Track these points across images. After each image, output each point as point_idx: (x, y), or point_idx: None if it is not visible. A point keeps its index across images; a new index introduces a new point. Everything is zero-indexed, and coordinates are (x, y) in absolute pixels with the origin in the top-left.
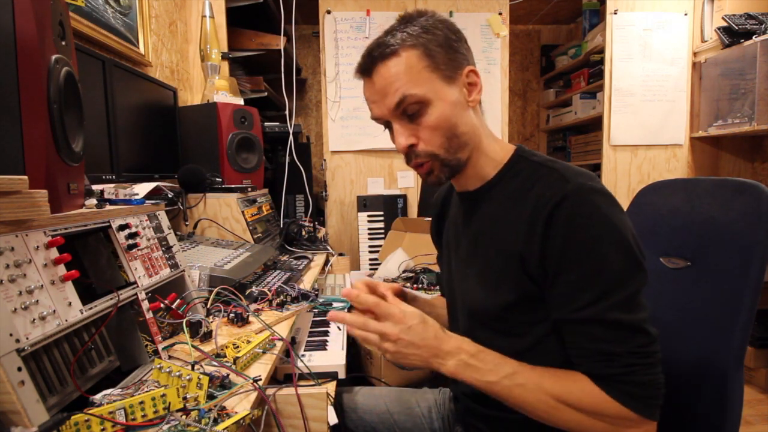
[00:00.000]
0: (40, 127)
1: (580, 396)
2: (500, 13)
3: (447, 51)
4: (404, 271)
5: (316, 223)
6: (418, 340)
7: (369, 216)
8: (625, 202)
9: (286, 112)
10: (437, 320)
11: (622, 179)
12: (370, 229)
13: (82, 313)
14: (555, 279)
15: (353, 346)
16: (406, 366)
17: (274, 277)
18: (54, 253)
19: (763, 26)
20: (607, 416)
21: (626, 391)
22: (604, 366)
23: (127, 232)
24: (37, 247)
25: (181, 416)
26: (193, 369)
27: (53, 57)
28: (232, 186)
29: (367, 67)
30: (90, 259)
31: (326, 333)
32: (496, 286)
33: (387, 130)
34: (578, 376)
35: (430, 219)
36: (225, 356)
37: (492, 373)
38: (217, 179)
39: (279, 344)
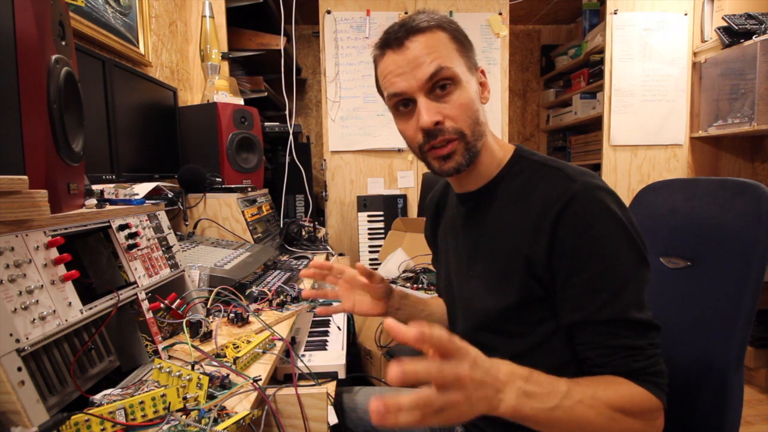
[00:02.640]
0: (40, 127)
1: (629, 396)
2: (500, 13)
3: (468, 43)
4: (404, 271)
5: (316, 223)
6: (484, 375)
7: (369, 216)
8: (625, 202)
9: (286, 112)
10: (429, 319)
11: (622, 179)
12: (370, 229)
13: (82, 313)
14: (567, 280)
15: (353, 346)
16: (462, 420)
17: (274, 277)
18: (54, 253)
19: (763, 26)
20: (649, 411)
21: (654, 382)
22: (632, 361)
23: (127, 232)
24: (37, 247)
25: (181, 416)
26: (193, 369)
27: (53, 57)
28: (232, 186)
29: (398, 37)
30: (90, 259)
31: (326, 333)
32: (500, 288)
33: (397, 116)
34: (615, 378)
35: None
36: (225, 356)
37: (552, 396)
38: (217, 179)
39: (279, 344)
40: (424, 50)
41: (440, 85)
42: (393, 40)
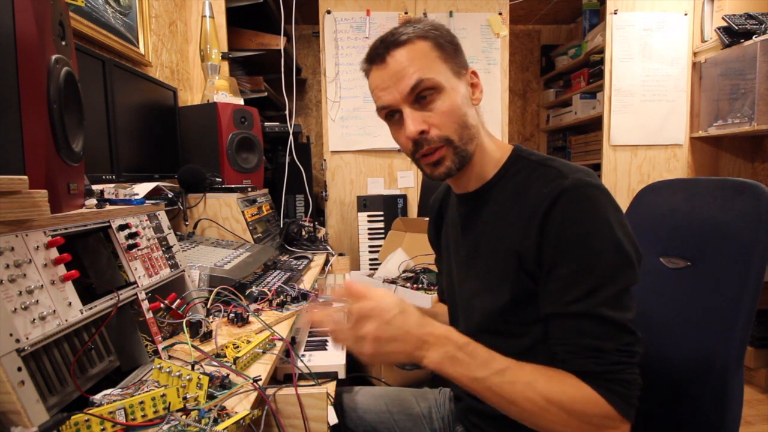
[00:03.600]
0: (40, 127)
1: (571, 395)
2: (500, 13)
3: (454, 48)
4: (404, 271)
5: (316, 223)
6: (400, 333)
7: (369, 216)
8: (625, 202)
9: (286, 112)
10: None
11: (622, 179)
12: (370, 229)
13: (82, 313)
14: (549, 273)
15: None
16: (385, 363)
17: (274, 277)
18: (54, 253)
19: (763, 26)
20: (594, 416)
21: (613, 389)
22: (593, 362)
23: (127, 232)
24: (37, 247)
25: (181, 416)
26: (193, 369)
27: (53, 57)
28: (232, 186)
29: (379, 53)
30: (90, 259)
31: (326, 333)
32: (497, 287)
33: (390, 125)
34: (568, 375)
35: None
36: (225, 356)
37: (481, 368)
38: (217, 179)
39: (279, 344)
40: (404, 63)
41: (423, 95)
42: (375, 56)
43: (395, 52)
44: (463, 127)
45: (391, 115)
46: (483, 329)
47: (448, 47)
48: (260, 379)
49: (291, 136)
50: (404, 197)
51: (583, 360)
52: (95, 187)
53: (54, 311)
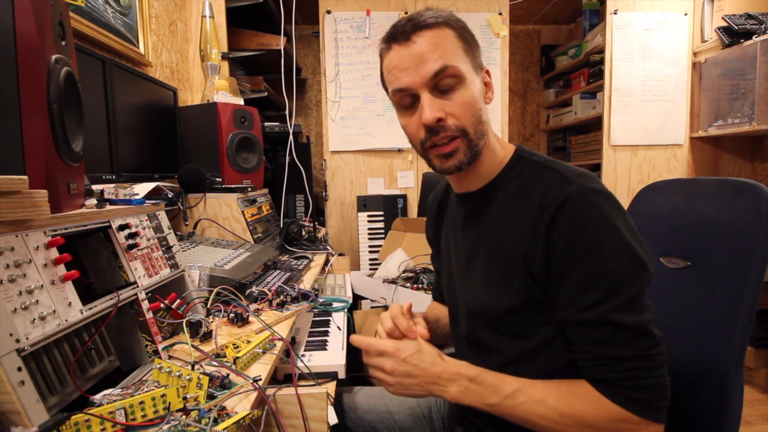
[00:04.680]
0: (40, 127)
1: (584, 407)
2: (500, 13)
3: (475, 43)
4: (404, 271)
5: (316, 223)
6: (414, 370)
7: (369, 216)
8: (625, 202)
9: (286, 112)
10: (442, 332)
11: (622, 179)
12: (370, 229)
13: (82, 313)
14: (559, 280)
15: (353, 346)
16: (410, 396)
17: (274, 277)
18: (54, 253)
19: (763, 26)
20: (611, 421)
21: (629, 396)
22: (607, 371)
23: (127, 232)
24: (37, 247)
25: (181, 416)
26: (193, 369)
27: (53, 57)
28: (232, 186)
29: (404, 31)
30: (90, 259)
31: (326, 333)
32: (500, 288)
33: (400, 112)
34: (581, 385)
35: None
36: (225, 356)
37: (493, 395)
38: (217, 179)
39: (279, 344)
40: (430, 47)
41: (445, 82)
42: (400, 34)
43: (422, 33)
44: (478, 122)
45: (405, 100)
46: (484, 329)
47: (471, 41)
48: (260, 379)
49: (291, 136)
50: (404, 197)
51: (598, 368)
52: (95, 187)
53: (54, 311)
